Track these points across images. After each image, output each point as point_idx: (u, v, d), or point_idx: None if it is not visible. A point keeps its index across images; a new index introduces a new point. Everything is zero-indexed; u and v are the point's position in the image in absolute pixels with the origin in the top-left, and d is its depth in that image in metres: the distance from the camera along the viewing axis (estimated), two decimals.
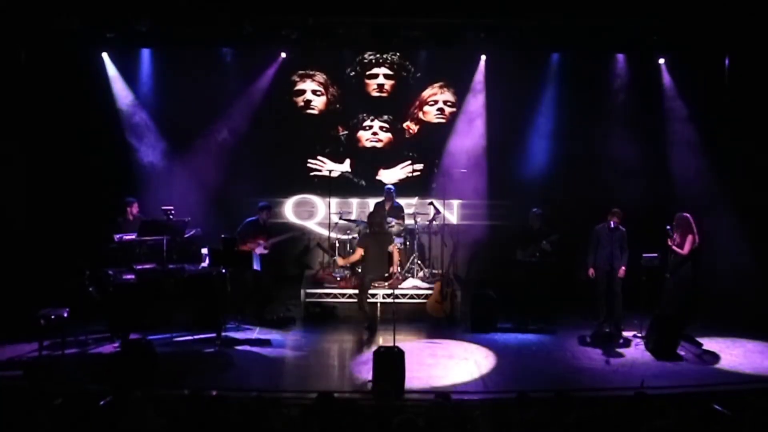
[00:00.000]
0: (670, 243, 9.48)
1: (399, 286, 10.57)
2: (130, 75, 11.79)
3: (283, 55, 12.03)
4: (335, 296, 10.71)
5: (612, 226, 9.59)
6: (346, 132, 12.59)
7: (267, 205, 10.63)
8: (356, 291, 10.10)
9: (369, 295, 10.00)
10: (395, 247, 9.93)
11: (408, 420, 5.37)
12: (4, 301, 9.68)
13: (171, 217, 9.53)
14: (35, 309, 8.81)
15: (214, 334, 9.20)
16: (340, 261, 10.39)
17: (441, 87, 12.55)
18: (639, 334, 9.61)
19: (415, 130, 12.67)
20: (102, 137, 11.55)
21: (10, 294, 9.86)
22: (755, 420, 5.57)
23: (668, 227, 9.54)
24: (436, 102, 12.58)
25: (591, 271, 9.74)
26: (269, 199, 12.25)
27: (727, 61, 11.44)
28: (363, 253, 9.67)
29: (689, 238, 9.40)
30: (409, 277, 11.15)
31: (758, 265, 10.63)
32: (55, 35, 10.77)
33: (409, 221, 11.41)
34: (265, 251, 10.23)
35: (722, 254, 10.92)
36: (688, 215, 9.53)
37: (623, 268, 9.60)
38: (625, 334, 9.72)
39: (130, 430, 5.31)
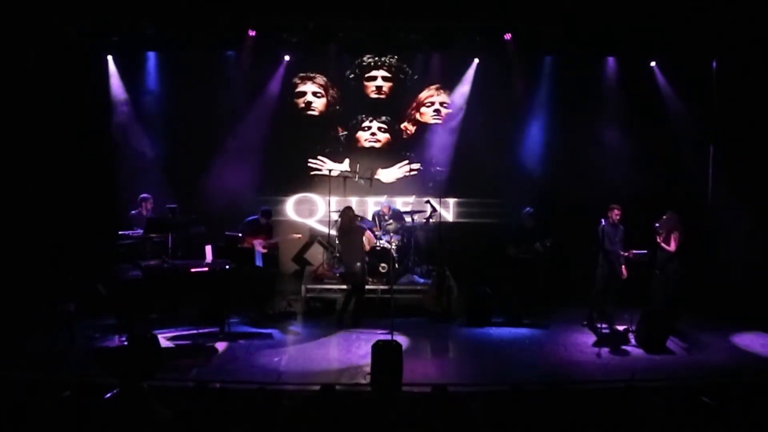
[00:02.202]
0: (658, 240, 9.49)
1: (397, 282, 10.61)
2: (136, 77, 11.78)
3: (287, 57, 12.03)
4: (335, 292, 10.70)
5: (615, 220, 9.59)
6: (345, 132, 12.59)
7: (269, 209, 10.66)
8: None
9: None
10: (367, 235, 10.13)
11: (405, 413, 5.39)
12: (15, 297, 9.67)
13: (176, 214, 9.53)
14: (44, 304, 8.82)
15: (217, 328, 9.21)
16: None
17: (437, 89, 12.55)
18: (630, 329, 9.61)
19: (413, 131, 12.68)
20: (109, 137, 11.53)
21: (19, 290, 9.86)
22: (741, 411, 5.59)
23: (656, 225, 9.54)
24: (432, 103, 12.58)
25: (623, 269, 9.70)
26: (271, 197, 12.33)
27: (714, 64, 11.47)
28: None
29: (674, 235, 9.41)
30: (406, 273, 11.15)
31: (745, 259, 10.65)
32: (63, 38, 10.75)
33: (406, 219, 11.41)
34: (264, 250, 10.26)
35: (711, 250, 10.94)
36: (673, 214, 9.54)
37: (624, 267, 9.60)
38: (617, 328, 9.72)
39: (135, 422, 5.31)
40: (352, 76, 12.47)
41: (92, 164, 11.34)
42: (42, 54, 10.84)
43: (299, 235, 11.32)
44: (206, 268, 9.33)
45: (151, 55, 11.81)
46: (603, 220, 9.62)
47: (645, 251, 9.55)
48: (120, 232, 9.90)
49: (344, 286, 10.62)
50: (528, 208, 10.38)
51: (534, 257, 10.11)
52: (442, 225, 11.74)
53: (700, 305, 10.35)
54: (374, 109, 12.58)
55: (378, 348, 7.77)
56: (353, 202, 12.42)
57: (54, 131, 11.08)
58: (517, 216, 10.58)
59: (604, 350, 8.97)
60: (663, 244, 9.45)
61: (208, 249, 9.58)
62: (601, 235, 9.62)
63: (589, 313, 9.99)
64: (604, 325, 9.50)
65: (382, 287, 10.41)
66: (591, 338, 9.47)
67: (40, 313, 9.47)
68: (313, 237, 12.63)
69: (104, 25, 10.82)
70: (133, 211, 10.33)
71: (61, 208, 11.01)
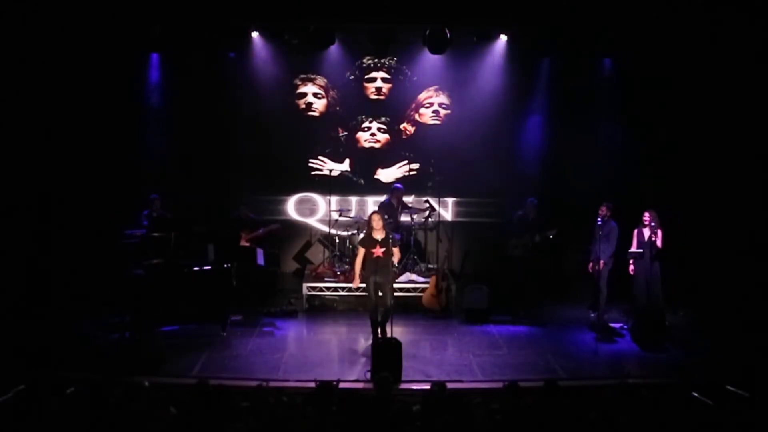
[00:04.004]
0: (654, 238, 9.47)
1: (396, 281, 10.59)
2: (139, 77, 11.75)
3: (288, 59, 12.03)
4: (335, 290, 10.71)
5: (599, 221, 9.62)
6: (345, 133, 12.58)
7: (245, 204, 10.82)
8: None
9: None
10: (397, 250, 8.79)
11: (404, 408, 5.37)
12: (19, 294, 9.67)
13: (178, 214, 9.55)
14: (48, 301, 8.81)
15: (219, 326, 9.21)
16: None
17: (436, 90, 12.52)
18: (626, 326, 9.63)
19: (412, 132, 12.67)
20: (112, 137, 11.49)
21: (23, 287, 9.86)
22: (733, 407, 5.58)
23: (652, 224, 9.54)
24: (431, 104, 12.56)
25: (591, 265, 9.78)
26: (272, 196, 12.34)
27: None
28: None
29: (659, 232, 9.44)
30: (405, 271, 11.15)
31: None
32: (77, 39, 10.76)
33: (405, 218, 11.41)
34: (247, 244, 10.32)
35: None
36: (653, 212, 9.57)
37: (602, 261, 9.60)
38: (613, 325, 9.74)
39: (138, 418, 5.31)
40: (352, 77, 12.45)
41: (94, 164, 11.30)
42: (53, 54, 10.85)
43: (277, 226, 11.05)
44: (208, 267, 9.34)
45: (154, 57, 11.79)
46: (599, 219, 9.67)
47: (640, 250, 9.56)
48: (126, 231, 9.90)
49: (344, 285, 10.62)
50: (532, 198, 10.44)
51: (530, 254, 10.14)
52: (441, 224, 11.76)
53: (695, 302, 10.36)
54: (374, 110, 12.55)
55: (378, 345, 7.77)
56: (353, 201, 12.44)
57: (64, 130, 11.08)
58: (520, 207, 10.61)
59: (601, 347, 8.98)
60: (659, 242, 9.45)
61: (210, 248, 9.60)
62: (594, 231, 9.71)
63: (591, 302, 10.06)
64: (593, 315, 9.57)
65: None
66: (588, 335, 9.47)
67: (44, 310, 9.49)
68: (314, 236, 12.64)
69: (111, 27, 10.81)
70: (145, 211, 10.36)
71: (68, 206, 11.00)
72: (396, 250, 8.64)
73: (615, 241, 9.62)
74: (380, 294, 8.53)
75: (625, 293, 9.85)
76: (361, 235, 9.32)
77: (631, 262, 9.64)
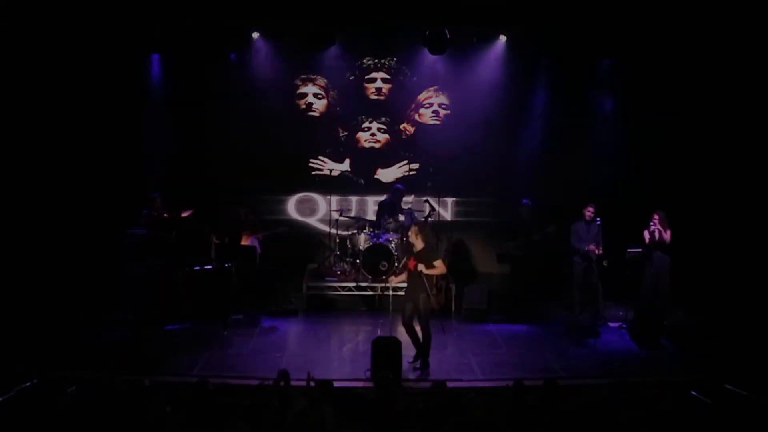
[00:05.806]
0: (661, 238, 9.46)
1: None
2: (140, 78, 11.74)
3: (289, 60, 12.03)
4: (336, 289, 10.70)
5: (588, 218, 9.62)
6: (345, 133, 12.58)
7: (245, 204, 10.78)
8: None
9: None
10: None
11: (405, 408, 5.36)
12: (21, 293, 9.67)
13: (179, 213, 9.56)
14: (51, 300, 8.79)
15: (220, 325, 9.20)
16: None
17: (436, 90, 12.52)
18: (624, 325, 9.62)
19: (412, 132, 12.66)
20: (114, 137, 11.48)
21: (26, 286, 9.86)
22: (732, 406, 5.58)
23: (661, 224, 9.53)
24: (431, 105, 12.56)
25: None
26: (273, 196, 12.34)
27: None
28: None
29: (668, 231, 9.45)
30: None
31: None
32: (80, 39, 10.75)
33: (404, 218, 11.39)
34: (248, 243, 10.26)
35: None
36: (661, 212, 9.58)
37: (598, 249, 9.54)
38: (611, 324, 9.72)
39: (141, 417, 5.31)
40: (352, 77, 12.44)
41: (95, 164, 11.29)
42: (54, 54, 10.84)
43: (284, 229, 11.05)
44: (209, 266, 9.34)
45: (155, 57, 11.78)
46: (576, 219, 9.70)
47: (639, 249, 9.55)
48: (128, 231, 9.90)
49: (345, 284, 10.62)
50: (525, 200, 10.44)
51: (528, 253, 10.13)
52: (441, 224, 11.75)
53: (694, 301, 10.35)
54: (374, 110, 12.56)
55: (378, 344, 7.76)
56: (353, 201, 12.44)
57: (66, 130, 11.06)
58: (514, 210, 10.61)
59: (600, 346, 8.97)
60: (666, 237, 9.46)
61: (212, 247, 9.60)
62: (573, 232, 9.69)
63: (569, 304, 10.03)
64: (580, 315, 9.64)
65: (381, 285, 10.39)
66: (586, 334, 9.45)
67: (44, 310, 9.49)
68: (314, 236, 12.63)
69: (113, 27, 10.81)
70: (146, 211, 10.36)
71: (70, 205, 10.99)
72: (438, 262, 7.99)
73: (601, 237, 9.67)
74: (411, 315, 8.05)
75: (622, 293, 9.82)
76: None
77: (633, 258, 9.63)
